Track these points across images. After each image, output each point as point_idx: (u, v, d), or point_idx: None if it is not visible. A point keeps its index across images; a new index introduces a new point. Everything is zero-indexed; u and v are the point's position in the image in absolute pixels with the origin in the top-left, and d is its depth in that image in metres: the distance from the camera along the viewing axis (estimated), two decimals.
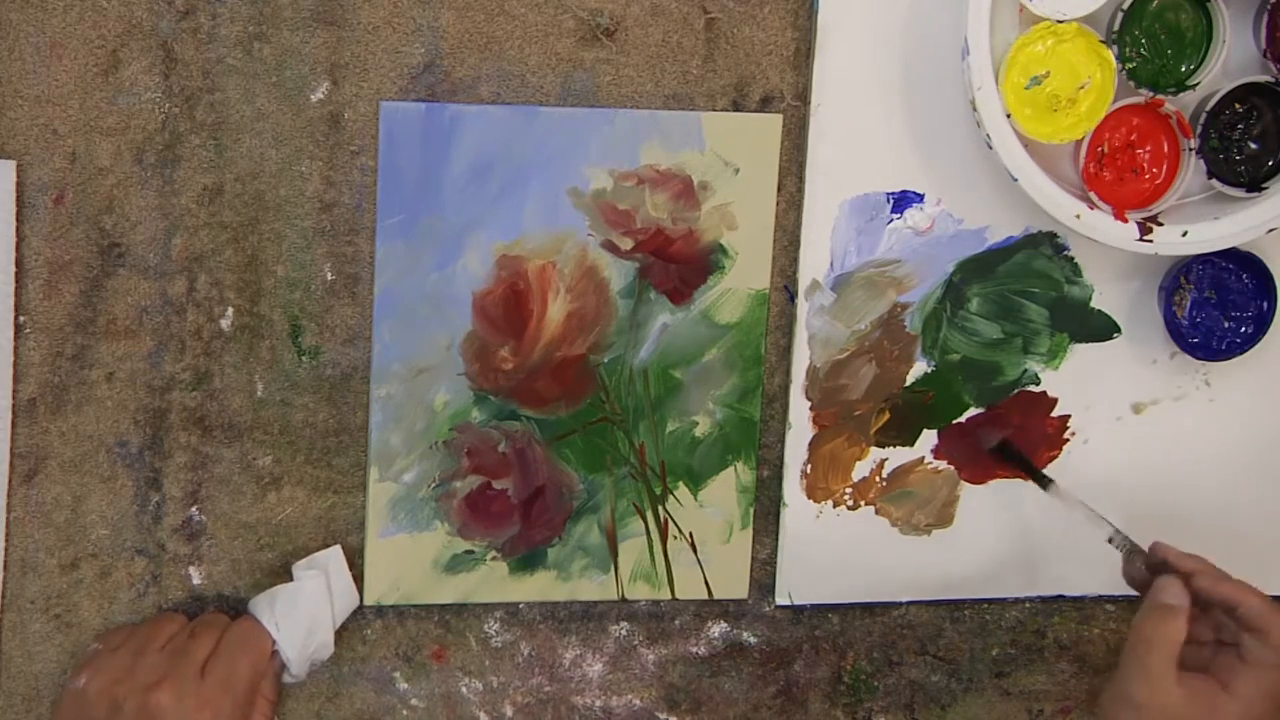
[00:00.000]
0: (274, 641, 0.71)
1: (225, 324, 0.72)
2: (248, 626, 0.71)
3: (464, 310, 0.74)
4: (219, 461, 0.73)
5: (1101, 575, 0.83)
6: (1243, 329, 0.79)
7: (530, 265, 0.74)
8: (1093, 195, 0.75)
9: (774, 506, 0.79)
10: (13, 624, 0.73)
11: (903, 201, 0.77)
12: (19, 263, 0.70)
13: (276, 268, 0.72)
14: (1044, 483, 0.79)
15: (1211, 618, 0.73)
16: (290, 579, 0.74)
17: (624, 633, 0.79)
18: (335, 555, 0.74)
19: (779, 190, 0.76)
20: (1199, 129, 0.75)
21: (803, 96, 0.75)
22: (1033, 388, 0.80)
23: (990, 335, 0.79)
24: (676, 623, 0.80)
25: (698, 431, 0.78)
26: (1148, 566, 0.74)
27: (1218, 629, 0.73)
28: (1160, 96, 0.74)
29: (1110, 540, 0.76)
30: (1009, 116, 0.72)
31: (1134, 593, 0.82)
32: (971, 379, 0.79)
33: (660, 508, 0.78)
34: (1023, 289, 0.79)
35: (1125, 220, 0.74)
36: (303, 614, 0.72)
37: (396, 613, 0.77)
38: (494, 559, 0.77)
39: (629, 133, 0.74)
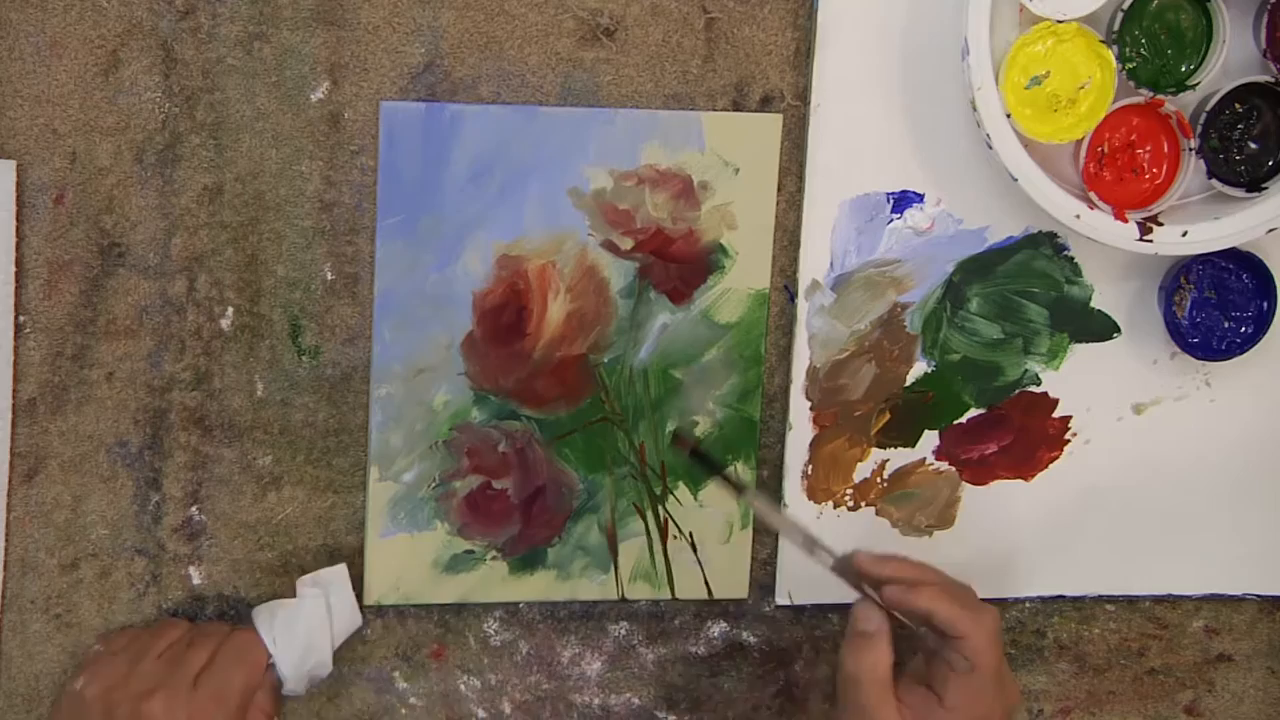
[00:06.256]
0: (270, 656, 0.71)
1: (225, 324, 0.72)
2: (245, 639, 0.71)
3: (464, 310, 0.74)
4: (219, 461, 0.73)
5: (1101, 575, 0.83)
6: (1243, 329, 0.79)
7: (530, 265, 0.74)
8: (1093, 195, 0.75)
9: (774, 507, 0.79)
10: (13, 624, 0.73)
11: (903, 201, 0.77)
12: (19, 263, 0.70)
13: (276, 268, 0.72)
14: (739, 490, 0.74)
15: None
16: (294, 584, 0.74)
17: (623, 632, 0.79)
18: (339, 574, 0.74)
19: (779, 190, 0.76)
20: (1199, 129, 0.75)
21: (803, 96, 0.75)
22: (1033, 388, 0.80)
23: (990, 335, 0.79)
24: (676, 622, 0.80)
25: (698, 431, 0.78)
26: (857, 576, 0.71)
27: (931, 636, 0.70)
28: (1160, 96, 0.74)
29: (811, 554, 0.72)
30: (1009, 116, 0.72)
31: (1130, 592, 0.82)
32: (972, 379, 0.79)
33: (660, 508, 0.78)
34: (1023, 289, 0.79)
35: (1125, 220, 0.74)
36: (301, 631, 0.72)
37: (396, 612, 0.77)
38: (494, 559, 0.77)
39: (629, 133, 0.74)
